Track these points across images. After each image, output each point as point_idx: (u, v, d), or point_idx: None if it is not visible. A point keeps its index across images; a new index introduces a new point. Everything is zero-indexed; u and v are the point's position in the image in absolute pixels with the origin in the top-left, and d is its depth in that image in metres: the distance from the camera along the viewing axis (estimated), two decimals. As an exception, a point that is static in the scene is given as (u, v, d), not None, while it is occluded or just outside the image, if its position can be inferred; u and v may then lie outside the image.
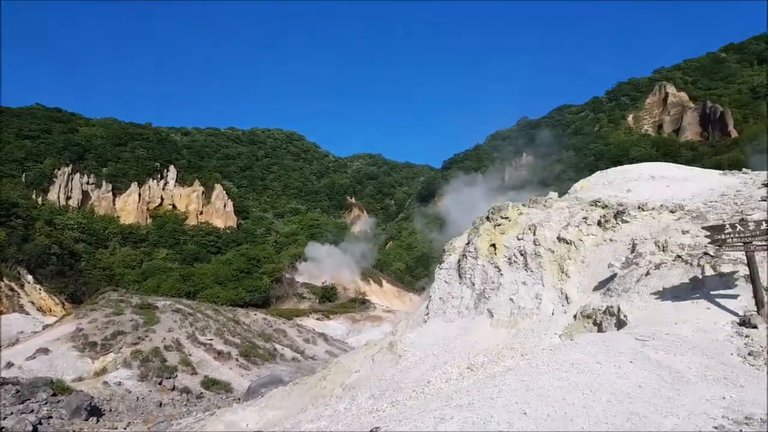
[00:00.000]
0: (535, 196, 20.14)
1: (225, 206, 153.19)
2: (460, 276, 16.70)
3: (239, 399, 31.28)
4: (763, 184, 16.18)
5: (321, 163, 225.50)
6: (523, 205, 17.81)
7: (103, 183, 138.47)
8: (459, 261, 17.18)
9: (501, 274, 15.13)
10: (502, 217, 16.78)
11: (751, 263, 9.32)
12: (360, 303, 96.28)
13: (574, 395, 6.31)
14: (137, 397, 30.44)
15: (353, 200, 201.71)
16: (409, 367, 13.52)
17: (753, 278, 9.25)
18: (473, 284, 15.90)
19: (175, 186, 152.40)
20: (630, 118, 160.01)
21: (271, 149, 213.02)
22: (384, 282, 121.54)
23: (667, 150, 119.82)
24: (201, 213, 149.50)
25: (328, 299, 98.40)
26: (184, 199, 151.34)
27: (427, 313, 17.00)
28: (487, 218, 17.34)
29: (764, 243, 9.51)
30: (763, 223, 9.73)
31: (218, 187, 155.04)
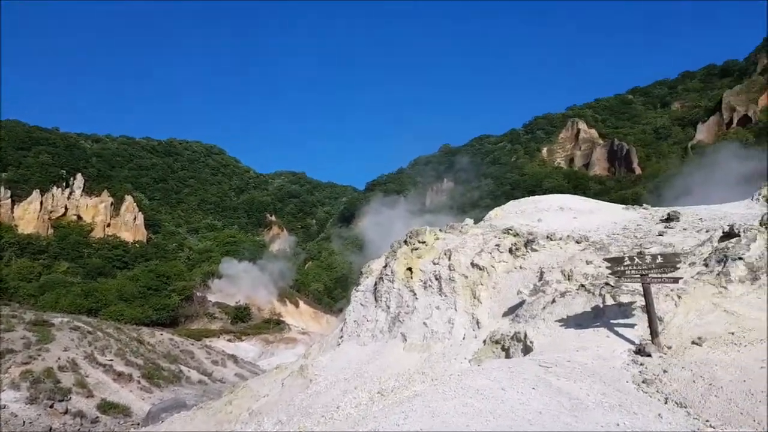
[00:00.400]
0: (452, 221, 20.61)
1: (135, 219, 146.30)
2: (376, 299, 16.73)
3: (138, 424, 29.54)
4: (661, 220, 17.34)
5: (241, 179, 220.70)
6: (440, 230, 18.16)
7: (2, 189, 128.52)
8: (376, 284, 17.23)
9: (416, 298, 15.28)
10: (419, 242, 17.02)
11: (647, 294, 9.90)
12: (275, 324, 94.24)
13: (478, 421, 6.39)
14: (24, 422, 28.06)
15: (273, 218, 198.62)
16: (319, 391, 13.30)
17: (648, 309, 9.82)
18: (388, 307, 15.96)
19: (81, 195, 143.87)
20: (544, 150, 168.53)
21: (189, 162, 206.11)
22: (301, 303, 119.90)
23: (577, 183, 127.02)
24: (108, 225, 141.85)
25: (241, 320, 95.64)
26: (91, 209, 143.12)
27: (341, 336, 16.85)
28: (405, 242, 17.53)
29: (659, 276, 10.16)
30: (659, 256, 10.41)
31: (129, 199, 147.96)
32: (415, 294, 15.40)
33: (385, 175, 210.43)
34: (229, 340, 78.33)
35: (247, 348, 76.46)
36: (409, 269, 16.16)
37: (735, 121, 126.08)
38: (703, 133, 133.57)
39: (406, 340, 14.37)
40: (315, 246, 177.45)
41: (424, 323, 14.30)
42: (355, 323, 16.73)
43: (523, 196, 26.50)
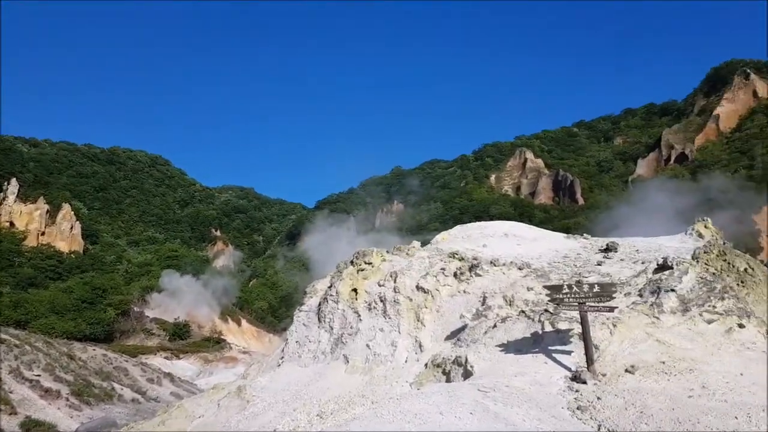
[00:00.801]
0: (401, 243, 20.69)
1: (72, 228, 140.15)
2: (319, 319, 16.51)
3: (64, 444, 27.93)
4: (600, 250, 17.90)
5: (186, 192, 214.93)
6: (387, 252, 18.18)
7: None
8: (320, 304, 17.02)
9: (360, 320, 15.17)
10: (365, 263, 16.97)
11: (584, 322, 10.14)
12: (215, 342, 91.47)
13: (417, 447, 6.35)
14: (-65, 442, 26.07)
15: (218, 233, 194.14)
16: (256, 413, 12.94)
17: (585, 337, 10.05)
18: (332, 329, 15.78)
19: (15, 201, 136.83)
20: (492, 177, 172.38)
21: (132, 171, 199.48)
22: (243, 321, 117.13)
23: (523, 210, 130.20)
24: (43, 234, 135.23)
25: (179, 337, 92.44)
26: (25, 216, 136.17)
27: (282, 357, 16.51)
28: (351, 262, 17.45)
29: (596, 304, 10.45)
30: (596, 286, 10.72)
31: (66, 207, 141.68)
32: (359, 315, 15.29)
33: (335, 194, 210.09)
34: (167, 358, 75.50)
35: (185, 366, 73.88)
36: (354, 290, 16.06)
37: (673, 158, 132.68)
38: (642, 167, 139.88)
39: (348, 362, 14.21)
40: (260, 263, 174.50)
41: (368, 345, 14.19)
42: (297, 344, 16.44)
43: (471, 221, 26.88)
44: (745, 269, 15.93)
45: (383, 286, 15.66)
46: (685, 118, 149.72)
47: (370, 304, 15.43)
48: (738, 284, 14.50)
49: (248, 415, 13.08)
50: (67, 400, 37.77)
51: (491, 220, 30.41)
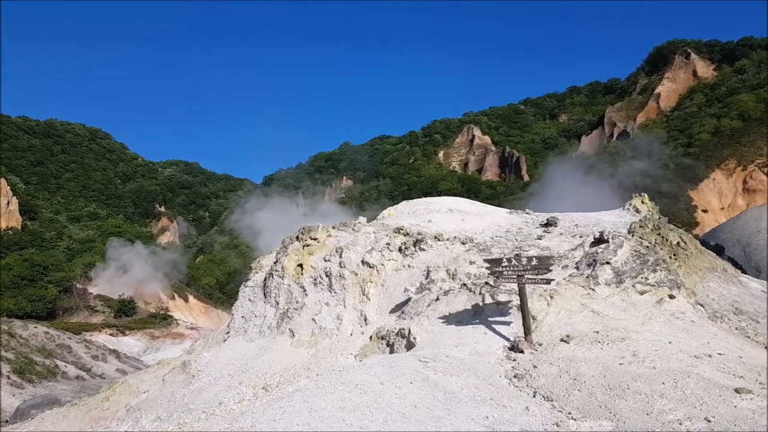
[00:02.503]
0: (349, 219, 20.64)
1: (8, 204, 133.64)
2: (265, 295, 16.40)
3: (6, 422, 27.01)
4: (540, 225, 18.36)
5: (128, 166, 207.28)
6: (333, 227, 18.14)
7: None
8: (265, 279, 16.88)
9: (305, 295, 15.16)
10: (311, 238, 16.90)
11: (522, 294, 10.44)
12: (161, 319, 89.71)
13: (354, 416, 6.44)
14: None
15: (163, 209, 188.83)
16: (202, 387, 12.83)
17: (522, 308, 10.36)
18: (278, 303, 15.71)
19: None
20: (441, 154, 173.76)
21: (71, 145, 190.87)
22: (191, 297, 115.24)
23: (470, 186, 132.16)
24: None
25: (125, 313, 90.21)
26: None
27: (228, 332, 16.37)
28: (297, 238, 17.33)
29: (533, 277, 10.76)
30: (534, 259, 11.01)
31: (2, 182, 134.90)
32: (304, 290, 15.27)
33: (283, 170, 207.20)
34: (112, 335, 73.64)
35: (131, 343, 72.33)
36: (300, 265, 16.00)
37: (615, 135, 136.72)
38: (586, 144, 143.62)
39: (294, 335, 14.22)
40: (207, 239, 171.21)
41: (313, 319, 14.22)
42: (243, 319, 16.31)
43: (420, 197, 27.05)
44: (678, 243, 16.70)
45: (329, 261, 15.66)
46: (627, 96, 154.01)
47: (315, 279, 15.42)
48: (670, 257, 15.20)
49: (194, 389, 12.95)
50: (8, 378, 36.50)
51: (439, 196, 30.70)
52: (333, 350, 12.70)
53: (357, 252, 15.66)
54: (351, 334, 13.27)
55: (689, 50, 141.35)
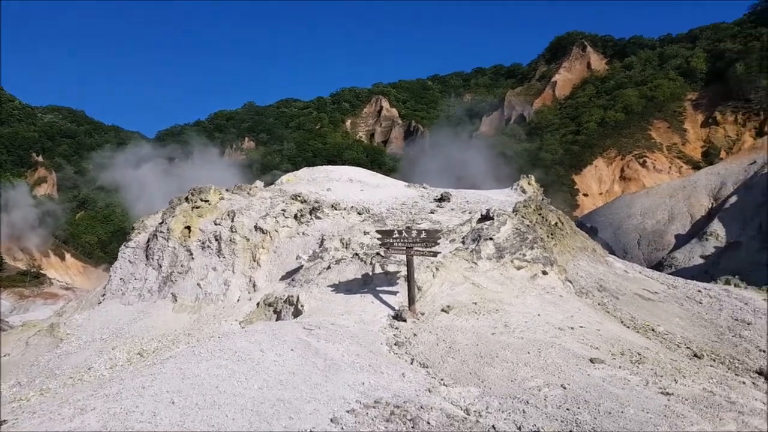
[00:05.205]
0: (247, 182, 20.13)
1: None
2: (147, 257, 15.64)
3: None
4: (435, 199, 18.89)
5: (2, 109, 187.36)
6: (227, 190, 17.59)
7: None
8: (149, 241, 16.09)
9: (192, 258, 14.65)
10: (202, 200, 16.28)
11: (409, 265, 10.73)
12: (33, 277, 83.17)
13: (229, 383, 6.36)
14: None
15: (41, 158, 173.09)
16: (70, 351, 12.11)
17: (409, 278, 10.66)
18: (161, 266, 15.05)
19: None
20: (348, 123, 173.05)
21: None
22: (68, 255, 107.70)
23: (375, 157, 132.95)
24: None
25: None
26: None
27: (104, 294, 15.49)
28: (187, 199, 16.61)
29: (422, 249, 11.08)
30: (423, 232, 11.33)
31: None
32: (191, 254, 14.74)
33: (179, 126, 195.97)
34: (-29, 293, 67.56)
35: (-3, 302, 66.72)
36: (188, 228, 15.40)
37: (513, 118, 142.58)
38: (486, 125, 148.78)
39: (176, 300, 13.75)
40: (90, 194, 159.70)
41: (198, 284, 13.81)
42: (122, 281, 15.49)
43: (324, 164, 26.85)
44: (556, 223, 17.86)
45: (220, 224, 15.20)
46: (527, 82, 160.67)
47: (204, 243, 14.93)
48: (548, 236, 16.23)
49: (60, 353, 12.19)
50: None
51: (344, 164, 30.68)
52: (217, 316, 12.44)
53: (251, 217, 15.33)
54: (238, 301, 13.06)
55: (586, 43, 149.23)
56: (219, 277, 13.87)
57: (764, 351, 12.08)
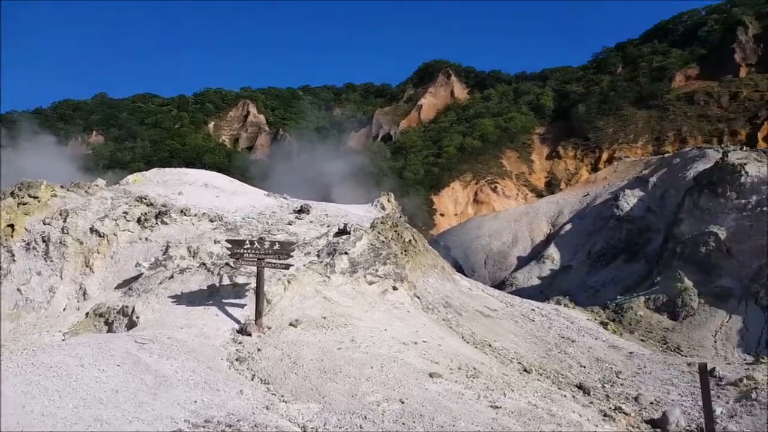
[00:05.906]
0: (93, 178, 18.48)
1: None
2: (-42, 256, 13.68)
3: None
4: (294, 210, 18.62)
5: None
6: (62, 186, 15.92)
7: None
8: (-38, 238, 14.09)
9: (13, 260, 13.02)
10: (30, 196, 14.56)
11: (259, 277, 10.40)
12: None
13: (40, 402, 5.67)
14: None
15: None
16: None
17: (258, 291, 10.32)
18: (-26, 268, 13.22)
19: None
20: (211, 125, 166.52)
21: None
22: None
23: (238, 164, 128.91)
24: None
25: None
26: None
27: None
28: (12, 194, 14.78)
29: (273, 261, 10.79)
30: (276, 243, 11.08)
31: None
32: (12, 255, 13.10)
33: (15, 112, 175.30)
34: None
35: None
36: (11, 226, 13.68)
37: (380, 135, 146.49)
38: (354, 140, 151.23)
39: (-10, 307, 12.12)
40: None
41: (19, 290, 12.28)
42: None
43: (180, 166, 25.47)
44: (410, 240, 18.45)
45: (49, 224, 13.70)
46: (395, 102, 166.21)
47: (29, 244, 13.34)
48: (402, 253, 16.69)
49: None
50: None
51: (204, 168, 29.36)
52: (38, 326, 11.14)
53: (86, 218, 14.00)
54: (64, 309, 11.80)
55: (450, 72, 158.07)
56: (44, 283, 12.45)
57: (584, 366, 13.35)
